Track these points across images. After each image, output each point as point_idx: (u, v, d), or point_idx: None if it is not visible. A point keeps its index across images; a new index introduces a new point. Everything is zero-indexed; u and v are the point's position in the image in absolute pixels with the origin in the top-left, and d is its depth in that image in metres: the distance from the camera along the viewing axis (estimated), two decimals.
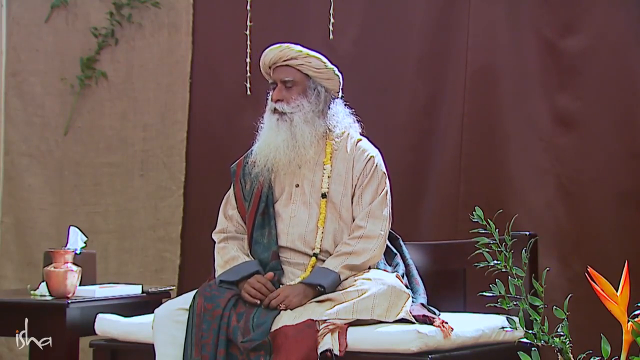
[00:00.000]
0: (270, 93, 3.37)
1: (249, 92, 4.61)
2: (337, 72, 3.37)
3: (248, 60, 4.60)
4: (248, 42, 4.62)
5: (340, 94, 3.42)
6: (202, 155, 4.70)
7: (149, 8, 4.83)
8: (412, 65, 4.34)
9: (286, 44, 3.33)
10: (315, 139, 3.32)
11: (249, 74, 4.61)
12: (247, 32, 4.62)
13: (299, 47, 3.32)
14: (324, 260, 3.26)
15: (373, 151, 3.37)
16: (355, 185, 3.32)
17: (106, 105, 4.90)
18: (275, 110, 3.32)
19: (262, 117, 3.39)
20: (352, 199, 3.32)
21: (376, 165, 3.33)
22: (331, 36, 4.45)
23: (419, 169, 4.31)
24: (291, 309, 3.09)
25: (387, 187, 3.34)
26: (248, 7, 4.63)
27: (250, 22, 4.63)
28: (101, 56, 4.90)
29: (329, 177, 3.31)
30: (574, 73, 4.06)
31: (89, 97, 4.92)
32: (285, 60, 3.32)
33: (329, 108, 3.36)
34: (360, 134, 3.42)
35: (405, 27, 4.37)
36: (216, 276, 3.29)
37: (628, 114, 3.98)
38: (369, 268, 3.25)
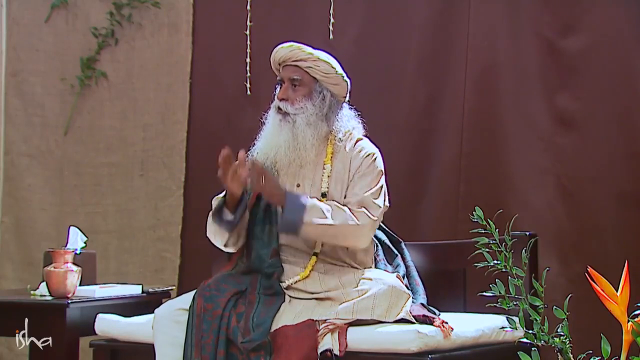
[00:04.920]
0: (277, 90, 3.36)
1: (249, 92, 4.61)
2: (345, 77, 3.36)
3: (248, 60, 4.60)
4: (248, 42, 4.62)
5: (347, 98, 3.41)
6: (202, 155, 4.70)
7: (149, 8, 4.83)
8: (412, 65, 4.34)
9: (297, 45, 3.32)
10: (317, 142, 3.32)
11: (249, 74, 4.61)
12: (247, 32, 4.62)
13: (310, 50, 3.31)
14: (324, 260, 3.26)
15: (371, 149, 3.36)
16: (350, 180, 3.31)
17: (106, 105, 4.90)
18: (279, 110, 3.32)
19: (266, 113, 3.39)
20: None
21: (372, 162, 3.31)
22: (331, 36, 4.45)
23: (419, 169, 4.31)
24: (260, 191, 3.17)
25: (383, 183, 3.31)
26: (248, 7, 4.63)
27: (250, 22, 4.63)
28: (101, 56, 4.90)
29: (328, 176, 3.31)
30: (574, 73, 4.06)
31: (89, 97, 4.91)
32: (294, 61, 3.31)
33: (334, 113, 3.35)
34: (364, 136, 3.41)
35: (405, 27, 4.37)
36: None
37: (628, 114, 3.98)
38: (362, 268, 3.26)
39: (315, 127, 3.30)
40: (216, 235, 3.35)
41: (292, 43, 3.33)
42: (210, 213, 3.33)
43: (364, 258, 3.32)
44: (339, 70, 3.35)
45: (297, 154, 3.29)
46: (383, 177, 3.33)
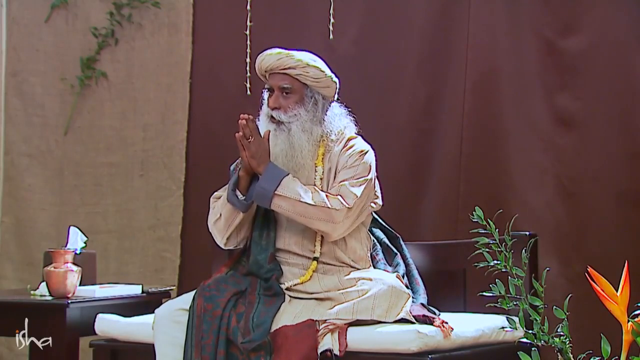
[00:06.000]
0: (266, 96, 3.34)
1: (249, 92, 4.61)
2: (334, 78, 3.33)
3: (248, 60, 4.60)
4: (248, 42, 4.62)
5: (336, 97, 3.39)
6: (202, 155, 4.70)
7: (149, 8, 4.83)
8: (412, 65, 4.34)
9: (285, 52, 3.27)
10: (312, 146, 3.30)
11: (249, 74, 4.61)
12: (247, 32, 4.62)
13: (298, 56, 3.27)
14: (323, 262, 3.26)
15: (362, 146, 3.32)
16: (335, 177, 3.30)
17: (106, 105, 4.90)
18: (272, 118, 3.28)
19: (258, 117, 3.37)
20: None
21: (359, 157, 3.27)
22: (331, 36, 4.45)
23: (419, 169, 4.31)
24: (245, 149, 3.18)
25: (370, 177, 3.27)
26: (248, 7, 4.63)
27: (250, 22, 4.63)
28: (101, 56, 4.90)
29: (321, 178, 3.29)
30: (574, 73, 4.06)
31: (89, 97, 4.92)
32: (283, 69, 3.26)
33: (326, 114, 3.34)
34: (357, 134, 3.39)
35: (405, 27, 4.37)
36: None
37: (628, 114, 3.98)
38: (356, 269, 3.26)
39: (310, 132, 3.28)
40: (224, 224, 3.30)
41: (279, 50, 3.28)
42: (223, 195, 3.29)
43: (362, 258, 3.32)
44: (328, 72, 3.31)
45: (294, 161, 3.27)
46: (372, 172, 3.28)
